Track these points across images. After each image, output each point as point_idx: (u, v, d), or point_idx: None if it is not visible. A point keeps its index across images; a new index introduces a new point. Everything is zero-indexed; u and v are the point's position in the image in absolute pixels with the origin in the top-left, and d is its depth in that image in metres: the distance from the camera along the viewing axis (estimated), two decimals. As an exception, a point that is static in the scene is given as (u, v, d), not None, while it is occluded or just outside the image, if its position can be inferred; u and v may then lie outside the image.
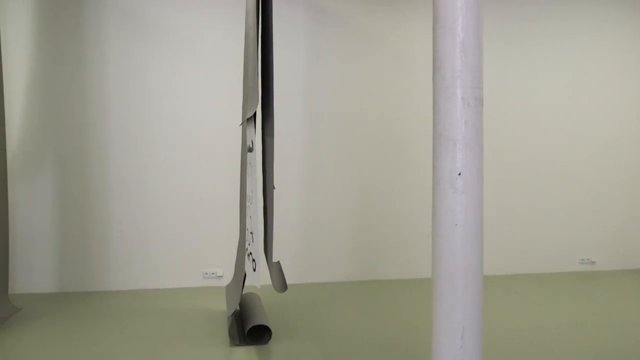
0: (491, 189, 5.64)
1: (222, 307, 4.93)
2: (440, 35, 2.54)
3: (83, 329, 4.38)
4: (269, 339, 4.08)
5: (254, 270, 3.75)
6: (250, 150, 3.90)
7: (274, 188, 4.16)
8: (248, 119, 3.96)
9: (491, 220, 5.47)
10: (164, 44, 5.51)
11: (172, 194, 5.57)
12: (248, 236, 3.97)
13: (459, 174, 2.49)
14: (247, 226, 4.02)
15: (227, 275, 5.60)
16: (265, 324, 4.08)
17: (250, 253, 3.87)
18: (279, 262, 4.58)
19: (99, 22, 5.40)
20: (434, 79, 2.59)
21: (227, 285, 5.17)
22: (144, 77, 5.50)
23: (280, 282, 4.32)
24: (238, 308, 4.64)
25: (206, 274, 5.64)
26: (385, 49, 5.90)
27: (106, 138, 5.46)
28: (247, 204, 4.02)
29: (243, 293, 4.71)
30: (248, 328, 4.06)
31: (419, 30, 5.92)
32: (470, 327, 2.53)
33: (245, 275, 4.22)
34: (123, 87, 5.46)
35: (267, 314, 4.57)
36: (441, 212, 2.54)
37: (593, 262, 6.34)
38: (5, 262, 4.76)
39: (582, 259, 6.33)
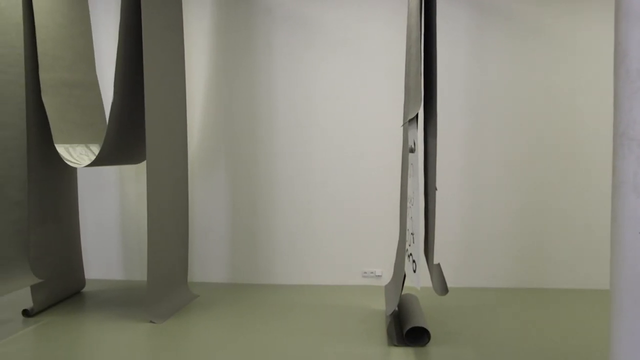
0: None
1: (381, 307, 4.97)
2: (623, 23, 2.33)
3: (250, 318, 4.68)
4: (428, 342, 4.03)
5: (414, 271, 3.73)
6: (412, 151, 3.88)
7: (436, 189, 4.10)
8: (410, 120, 3.95)
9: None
10: (327, 48, 5.68)
11: (335, 193, 5.74)
12: (408, 237, 3.96)
13: (644, 176, 2.27)
14: (408, 227, 4.01)
15: (386, 275, 5.64)
16: (424, 326, 4.04)
17: (411, 254, 3.86)
18: (439, 264, 4.51)
19: (268, 32, 5.72)
20: (615, 72, 2.38)
21: (386, 285, 5.21)
22: (309, 82, 5.72)
23: (441, 285, 4.25)
24: (397, 308, 4.65)
25: (365, 273, 5.72)
26: (555, 41, 5.52)
27: (273, 140, 5.78)
28: (408, 204, 4.01)
29: (402, 294, 4.71)
30: (407, 329, 4.05)
31: (594, 18, 5.44)
32: (656, 347, 2.29)
33: (404, 276, 4.22)
34: (289, 91, 5.74)
35: (426, 316, 4.52)
36: (622, 218, 2.33)
37: None
38: (185, 254, 5.27)
39: None
